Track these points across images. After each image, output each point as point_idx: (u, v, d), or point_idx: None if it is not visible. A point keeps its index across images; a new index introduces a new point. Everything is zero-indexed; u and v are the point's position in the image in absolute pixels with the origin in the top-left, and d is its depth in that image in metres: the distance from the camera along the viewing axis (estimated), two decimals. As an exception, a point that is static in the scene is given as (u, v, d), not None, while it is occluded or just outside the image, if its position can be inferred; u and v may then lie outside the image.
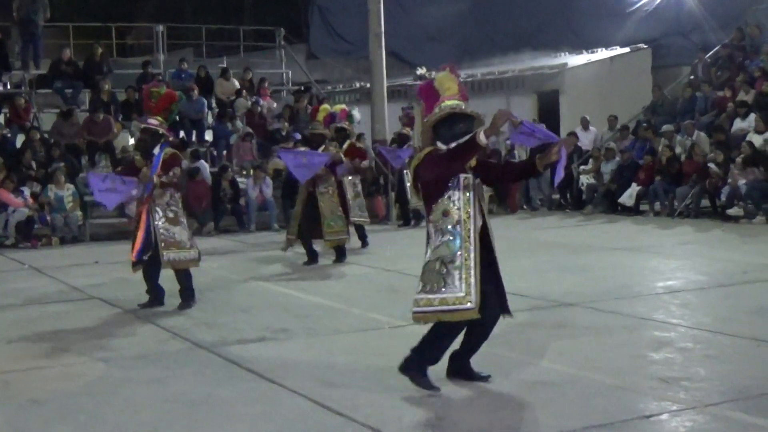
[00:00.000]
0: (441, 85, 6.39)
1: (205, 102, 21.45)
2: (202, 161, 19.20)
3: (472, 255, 6.06)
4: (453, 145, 6.14)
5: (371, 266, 12.88)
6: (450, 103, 6.26)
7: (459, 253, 6.06)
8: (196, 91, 21.05)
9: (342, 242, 13.28)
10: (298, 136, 19.66)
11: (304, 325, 8.82)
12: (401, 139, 18.66)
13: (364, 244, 14.68)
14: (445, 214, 6.13)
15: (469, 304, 6.01)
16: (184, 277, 9.88)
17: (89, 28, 26.49)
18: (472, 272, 6.04)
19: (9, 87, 21.49)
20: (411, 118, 19.79)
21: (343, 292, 10.92)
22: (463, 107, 6.27)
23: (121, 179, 9.59)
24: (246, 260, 14.18)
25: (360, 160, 14.65)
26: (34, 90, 21.51)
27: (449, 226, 6.11)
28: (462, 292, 6.02)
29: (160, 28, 24.50)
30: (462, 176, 6.13)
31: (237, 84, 22.49)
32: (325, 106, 15.60)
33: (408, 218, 18.44)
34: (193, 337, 8.36)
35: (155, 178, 9.47)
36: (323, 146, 13.24)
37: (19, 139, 19.33)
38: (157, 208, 9.61)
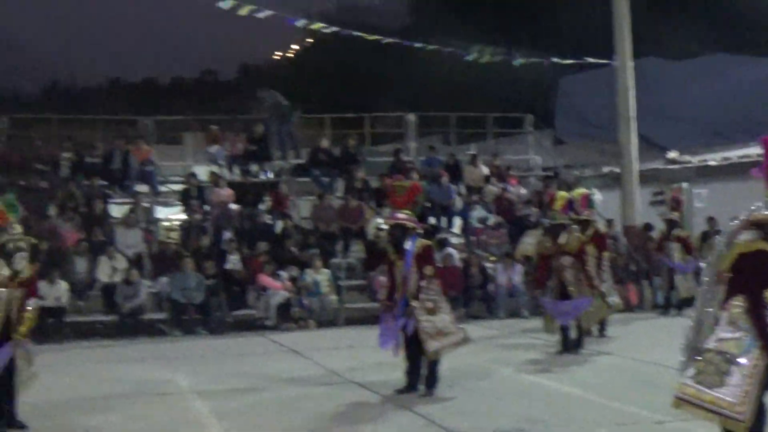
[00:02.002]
0: None
1: (454, 188, 21.77)
2: (450, 248, 19.40)
3: (761, 363, 5.70)
4: None
5: (623, 356, 12.53)
6: None
7: (748, 356, 5.72)
8: (445, 178, 21.44)
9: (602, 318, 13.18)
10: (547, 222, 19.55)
11: (560, 417, 8.65)
12: (671, 225, 18.14)
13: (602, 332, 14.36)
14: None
15: (739, 415, 5.62)
16: (433, 363, 9.96)
17: (344, 118, 27.62)
18: (756, 381, 5.67)
19: (271, 176, 22.67)
20: (679, 202, 19.09)
21: (596, 382, 10.65)
22: None
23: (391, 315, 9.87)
24: (496, 347, 14.14)
25: (600, 249, 14.24)
26: (294, 178, 22.60)
27: (747, 325, 5.77)
28: (736, 399, 5.64)
29: (411, 117, 25.24)
30: None
31: (485, 170, 22.76)
32: (562, 193, 15.32)
33: (668, 307, 17.84)
34: (449, 425, 8.37)
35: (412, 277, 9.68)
36: (564, 235, 13.07)
37: (279, 225, 20.26)
38: (416, 302, 9.78)
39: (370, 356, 12.61)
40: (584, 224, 13.91)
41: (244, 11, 19.43)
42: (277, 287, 17.42)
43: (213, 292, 17.25)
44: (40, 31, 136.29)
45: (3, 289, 8.40)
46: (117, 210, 20.60)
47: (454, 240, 20.61)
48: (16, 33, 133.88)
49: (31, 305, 8.51)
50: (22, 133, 24.26)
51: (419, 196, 10.33)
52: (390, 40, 23.19)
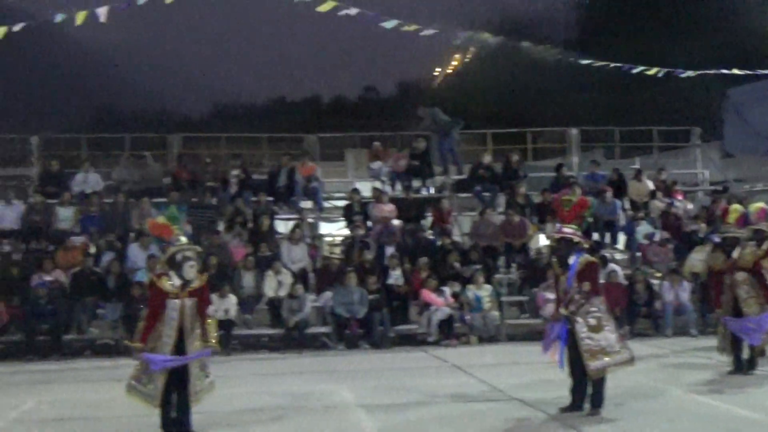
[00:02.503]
0: None
1: (619, 204, 21.31)
2: (614, 265, 18.96)
3: None
4: None
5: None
6: None
7: None
8: (609, 193, 21.00)
9: None
10: (716, 239, 18.89)
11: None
12: None
13: None
14: None
15: None
16: (598, 381, 9.74)
17: (506, 133, 27.47)
18: None
19: (432, 192, 22.75)
20: None
21: (773, 405, 10.21)
22: None
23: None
24: (665, 366, 13.73)
25: None
26: (455, 194, 22.62)
27: None
28: None
29: (574, 131, 24.90)
30: None
31: (650, 185, 22.20)
32: (736, 206, 14.73)
33: None
34: (617, 446, 8.18)
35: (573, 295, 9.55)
36: (737, 249, 12.58)
37: (441, 241, 20.28)
38: (578, 318, 9.63)
39: (533, 373, 12.49)
40: (759, 234, 13.32)
41: (409, 28, 19.50)
42: (439, 303, 17.44)
43: (375, 307, 17.41)
44: (207, 53, 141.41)
45: (176, 300, 8.71)
46: (283, 226, 21.08)
47: (618, 256, 20.18)
48: (185, 56, 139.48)
49: (212, 313, 8.80)
50: (192, 152, 25.17)
51: (586, 210, 10.17)
52: (556, 55, 22.95)
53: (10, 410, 10.97)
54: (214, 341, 8.94)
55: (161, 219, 9.17)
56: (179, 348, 8.71)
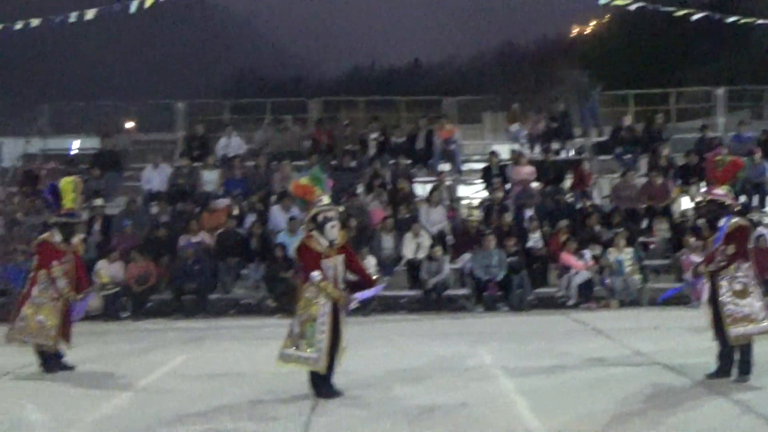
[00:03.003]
0: None
1: (767, 165, 20.56)
2: (763, 229, 18.31)
3: None
4: None
5: None
6: None
7: None
8: (758, 154, 20.28)
9: None
10: None
11: None
12: None
13: None
14: None
15: None
16: (745, 348, 9.45)
17: (648, 94, 26.78)
18: None
19: (572, 154, 22.42)
20: None
21: None
22: None
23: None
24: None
25: None
26: (595, 156, 22.24)
27: None
28: None
29: (720, 91, 24.09)
30: None
31: (803, 145, 21.29)
32: None
33: None
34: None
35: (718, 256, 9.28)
36: None
37: (581, 204, 19.99)
38: (722, 282, 9.36)
39: (677, 338, 12.25)
40: None
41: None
42: (580, 266, 17.23)
43: (514, 270, 17.32)
44: (344, 17, 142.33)
45: (327, 260, 8.82)
46: (421, 188, 21.15)
47: (766, 220, 19.49)
48: (324, 21, 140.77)
49: (314, 278, 8.80)
50: (331, 115, 25.45)
51: (740, 172, 9.85)
52: (701, 14, 22.18)
53: (160, 366, 11.40)
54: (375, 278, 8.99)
55: (304, 180, 9.24)
56: (335, 307, 8.77)
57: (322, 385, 8.93)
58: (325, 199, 9.10)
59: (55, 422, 8.26)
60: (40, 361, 11.00)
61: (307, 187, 9.19)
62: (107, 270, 17.51)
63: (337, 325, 8.84)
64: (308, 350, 8.72)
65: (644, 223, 19.43)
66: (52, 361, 10.98)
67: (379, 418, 8.06)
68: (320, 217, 8.96)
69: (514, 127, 22.82)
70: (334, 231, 8.89)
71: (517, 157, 20.89)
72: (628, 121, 22.16)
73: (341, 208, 9.28)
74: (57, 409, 8.86)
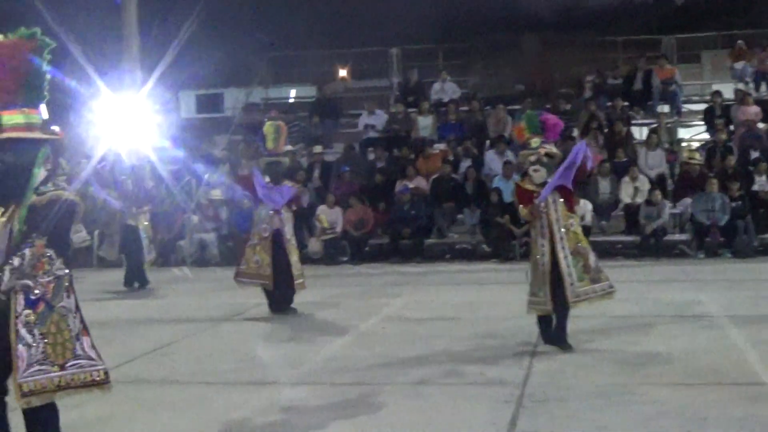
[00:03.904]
0: None
1: None
2: None
3: None
4: None
5: None
6: None
7: None
8: None
9: None
10: None
11: None
12: None
13: None
14: None
15: None
16: None
17: None
18: None
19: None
20: None
21: None
22: None
23: None
24: None
25: None
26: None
27: None
28: None
29: None
30: None
31: None
32: None
33: None
34: None
35: None
36: None
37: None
38: None
39: None
40: None
41: None
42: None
43: (738, 215, 16.62)
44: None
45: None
46: (639, 131, 20.58)
47: None
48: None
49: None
50: (545, 57, 25.06)
51: None
52: None
53: (380, 308, 11.69)
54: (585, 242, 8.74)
55: (521, 123, 9.14)
56: (553, 247, 8.56)
57: (550, 330, 8.71)
58: (534, 143, 8.90)
59: (283, 361, 8.62)
60: (268, 301, 11.47)
61: (520, 129, 9.11)
62: (327, 215, 18.03)
63: (556, 266, 8.55)
64: (539, 294, 8.58)
65: None
66: (278, 303, 11.40)
67: (602, 365, 7.95)
68: (526, 161, 8.85)
69: (739, 64, 21.82)
70: (537, 175, 8.71)
71: (742, 97, 19.95)
72: None
73: (553, 149, 8.98)
74: (284, 348, 9.25)
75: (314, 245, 17.86)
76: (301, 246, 14.74)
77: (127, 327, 10.81)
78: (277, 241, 11.22)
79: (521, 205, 8.73)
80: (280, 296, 11.35)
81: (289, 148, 14.45)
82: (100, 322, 10.85)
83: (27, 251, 4.60)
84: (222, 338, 10.05)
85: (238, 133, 22.99)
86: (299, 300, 11.51)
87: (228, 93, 29.87)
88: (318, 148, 20.47)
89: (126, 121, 17.19)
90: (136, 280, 14.54)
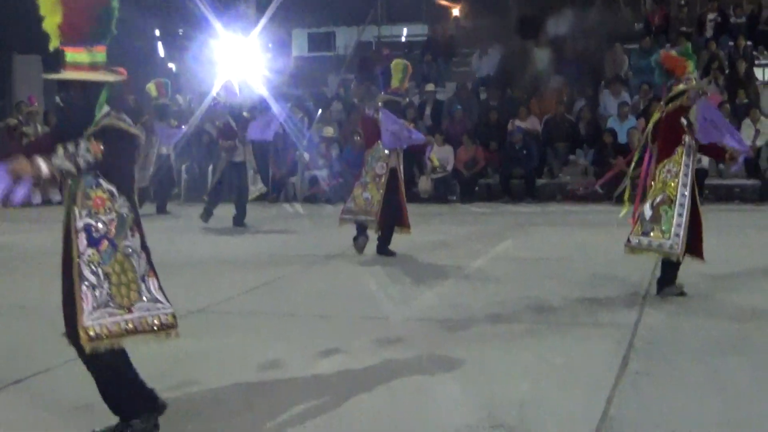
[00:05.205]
0: None
1: None
2: None
3: None
4: None
5: None
6: None
7: None
8: None
9: None
10: None
11: None
12: None
13: None
14: None
15: None
16: None
17: None
18: None
19: None
20: None
21: None
22: None
23: None
24: None
25: None
26: None
27: None
28: None
29: None
30: None
31: None
32: None
33: None
34: None
35: None
36: None
37: None
38: None
39: None
40: None
41: None
42: None
43: None
44: None
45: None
46: (762, 72, 19.86)
47: None
48: None
49: None
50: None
51: None
52: None
53: (490, 248, 11.66)
54: None
55: (675, 52, 8.68)
56: (693, 187, 8.19)
57: (672, 278, 8.30)
58: (693, 80, 8.47)
59: (394, 297, 8.67)
60: (378, 242, 11.30)
61: (679, 60, 8.51)
62: (437, 153, 17.97)
63: (695, 207, 8.14)
64: (663, 236, 8.10)
65: None
66: (380, 245, 11.24)
67: (717, 312, 7.76)
68: (690, 93, 8.31)
69: None
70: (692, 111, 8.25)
71: None
72: None
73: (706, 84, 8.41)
74: (395, 286, 9.27)
75: (424, 184, 17.87)
76: (411, 184, 14.68)
77: (241, 262, 10.91)
78: (391, 179, 11.10)
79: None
80: (382, 238, 11.18)
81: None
82: (207, 259, 11.10)
83: (82, 142, 4.42)
84: (334, 274, 10.15)
85: (350, 71, 23.02)
86: (408, 240, 11.41)
87: (340, 32, 29.84)
88: (430, 86, 20.37)
89: (240, 59, 17.33)
90: (242, 218, 14.40)
